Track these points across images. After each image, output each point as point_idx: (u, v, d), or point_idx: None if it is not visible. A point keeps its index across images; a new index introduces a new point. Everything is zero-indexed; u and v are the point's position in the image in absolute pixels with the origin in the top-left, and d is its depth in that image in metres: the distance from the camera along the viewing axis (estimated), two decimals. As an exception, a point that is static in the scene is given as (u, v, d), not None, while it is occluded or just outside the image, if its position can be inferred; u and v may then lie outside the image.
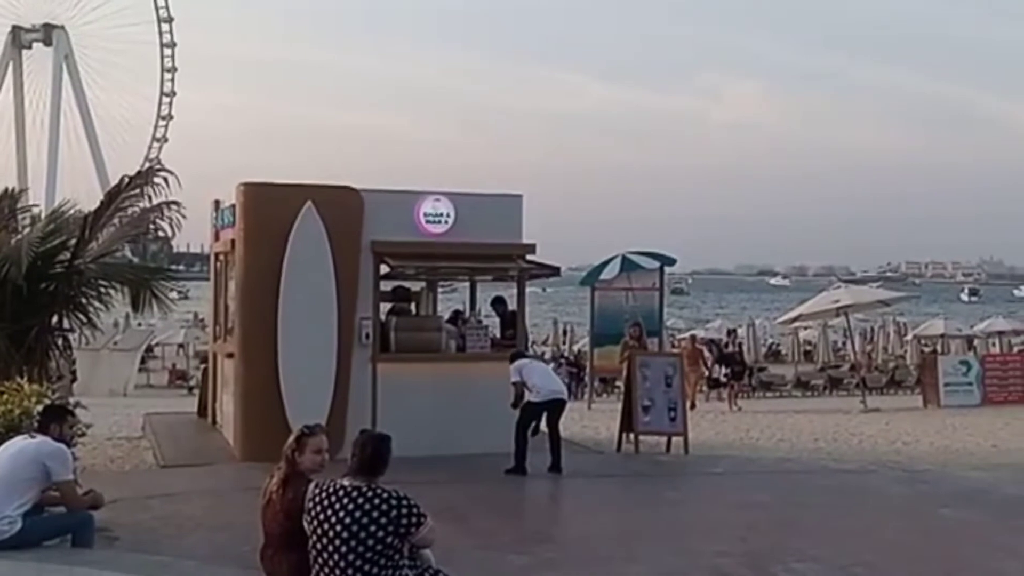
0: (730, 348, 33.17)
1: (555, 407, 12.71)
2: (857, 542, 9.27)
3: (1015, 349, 41.19)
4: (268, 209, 13.42)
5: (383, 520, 5.41)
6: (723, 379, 28.35)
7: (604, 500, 11.94)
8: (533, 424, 12.56)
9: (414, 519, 5.47)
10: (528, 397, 12.53)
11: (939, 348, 41.05)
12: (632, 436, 14.76)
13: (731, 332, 45.68)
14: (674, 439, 14.84)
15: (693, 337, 31.61)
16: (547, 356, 38.56)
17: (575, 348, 40.33)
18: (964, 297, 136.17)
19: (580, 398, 25.42)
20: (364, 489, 5.49)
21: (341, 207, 13.44)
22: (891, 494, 12.05)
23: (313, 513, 5.56)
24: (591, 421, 19.60)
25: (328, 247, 13.21)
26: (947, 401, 25.17)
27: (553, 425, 12.66)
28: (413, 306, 15.69)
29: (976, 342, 42.12)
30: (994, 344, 42.64)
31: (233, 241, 13.81)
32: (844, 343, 42.68)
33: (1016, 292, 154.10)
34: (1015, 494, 11.90)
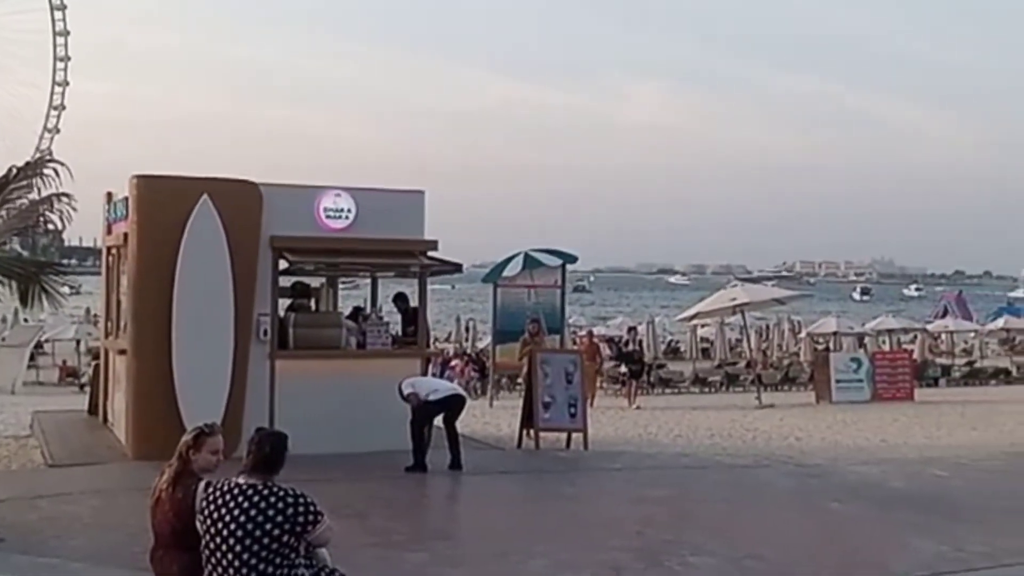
0: (630, 346, 33.54)
1: (455, 404, 12.70)
2: (750, 535, 9.45)
3: (904, 347, 42.52)
4: (162, 202, 13.13)
5: (279, 518, 5.33)
6: (623, 377, 28.66)
7: (503, 496, 11.97)
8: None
9: (311, 517, 5.39)
10: (431, 397, 12.51)
11: (831, 346, 42.07)
12: (532, 432, 14.85)
13: (632, 329, 46.16)
14: (574, 435, 14.98)
15: (590, 333, 31.83)
16: (450, 353, 38.54)
17: (478, 345, 40.37)
18: (856, 296, 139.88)
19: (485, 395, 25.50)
20: (260, 487, 5.40)
21: (239, 201, 13.21)
22: (783, 488, 12.33)
23: (207, 512, 5.45)
24: (493, 418, 19.66)
25: (225, 242, 12.98)
26: (838, 397, 25.87)
27: (451, 422, 12.64)
28: (313, 302, 15.53)
29: (867, 340, 43.29)
30: (884, 342, 43.91)
31: (126, 235, 13.48)
32: (741, 340, 43.53)
33: (906, 291, 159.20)
34: (902, 488, 12.27)
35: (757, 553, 8.65)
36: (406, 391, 12.43)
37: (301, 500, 5.40)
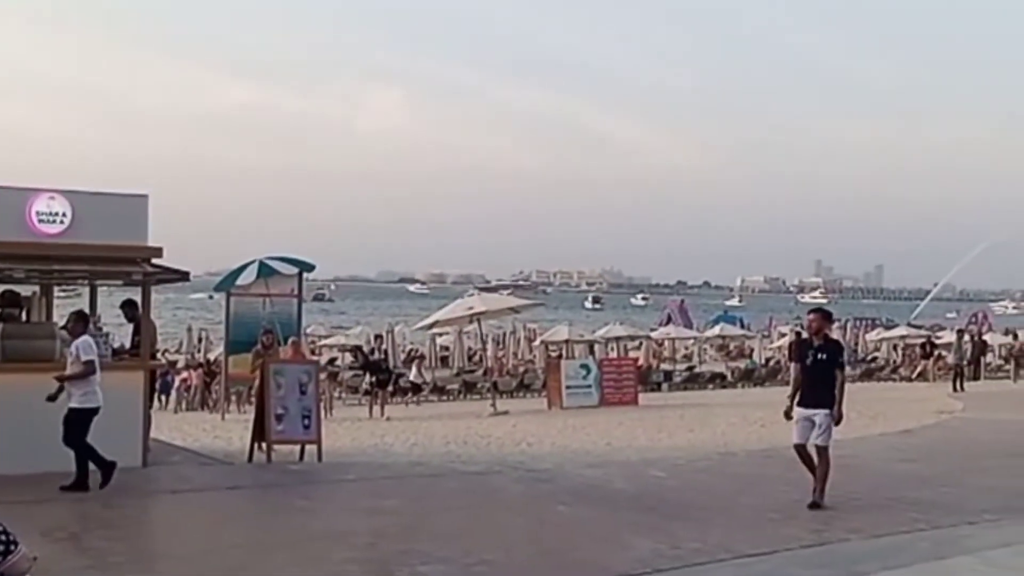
0: (375, 355, 33.37)
1: (96, 414, 11.89)
2: (481, 541, 9.57)
3: (630, 353, 44.63)
4: None
5: (-34, 549, 4.89)
6: (368, 387, 28.48)
7: (231, 512, 11.58)
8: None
9: (2, 548, 4.98)
10: (78, 399, 11.57)
11: (564, 353, 43.56)
12: (265, 446, 14.49)
13: (378, 338, 46.05)
14: (308, 447, 14.73)
15: (295, 342, 31.30)
16: (180, 364, 37.09)
17: (209, 356, 39.07)
18: (588, 305, 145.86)
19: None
20: (-54, 515, 4.95)
21: (-62, 202, 12.18)
22: (514, 493, 12.57)
23: None
24: (224, 431, 19.11)
25: (-78, 246, 11.94)
26: (569, 403, 26.79)
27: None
28: (24, 312, 14.53)
29: (596, 347, 45.12)
30: (612, 349, 45.92)
31: None
32: (479, 348, 44.31)
33: (633, 300, 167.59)
34: (624, 489, 12.78)
35: (486, 558, 8.77)
36: (87, 355, 11.50)
37: (-7, 528, 4.98)
